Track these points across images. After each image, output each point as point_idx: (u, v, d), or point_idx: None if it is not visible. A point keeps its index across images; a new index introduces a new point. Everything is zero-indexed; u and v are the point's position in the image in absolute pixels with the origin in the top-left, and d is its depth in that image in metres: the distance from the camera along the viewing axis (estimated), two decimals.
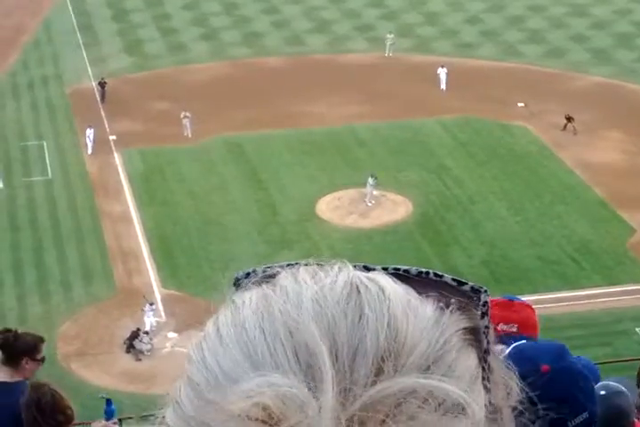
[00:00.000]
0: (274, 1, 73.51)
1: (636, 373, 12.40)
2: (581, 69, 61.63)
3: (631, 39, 65.55)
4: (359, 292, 1.13)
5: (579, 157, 51.76)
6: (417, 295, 1.16)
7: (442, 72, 59.04)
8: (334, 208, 47.90)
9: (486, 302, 1.19)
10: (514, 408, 1.22)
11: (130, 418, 17.67)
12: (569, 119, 53.66)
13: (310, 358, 1.07)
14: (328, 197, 48.68)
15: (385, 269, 1.20)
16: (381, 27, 68.44)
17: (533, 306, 5.49)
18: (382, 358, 1.08)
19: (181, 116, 53.69)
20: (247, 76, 61.55)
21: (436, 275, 1.19)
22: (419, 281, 1.19)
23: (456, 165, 51.63)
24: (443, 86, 59.15)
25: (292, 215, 47.18)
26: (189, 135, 53.76)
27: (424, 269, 1.20)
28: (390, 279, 1.17)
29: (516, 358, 3.84)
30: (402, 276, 1.19)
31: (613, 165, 50.92)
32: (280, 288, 1.15)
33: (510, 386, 1.22)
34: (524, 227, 46.19)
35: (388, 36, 63.64)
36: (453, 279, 1.19)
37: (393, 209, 47.70)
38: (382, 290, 1.13)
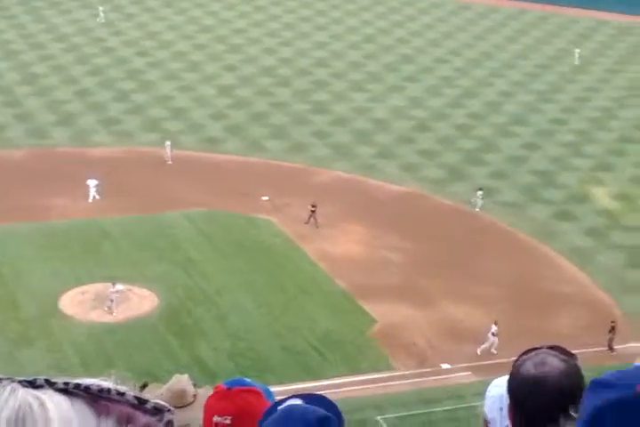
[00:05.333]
0: (16, 94, 72.59)
1: None
2: (323, 164, 63.56)
3: (369, 136, 68.27)
4: (25, 426, 1.08)
5: (321, 249, 53.05)
6: (94, 419, 1.13)
7: (91, 183, 56.54)
8: (78, 303, 47.04)
9: (170, 420, 1.17)
10: None
11: None
12: (314, 208, 54.70)
13: None
14: (72, 292, 47.79)
15: (66, 384, 1.16)
16: (127, 120, 68.61)
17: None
18: None
19: None
20: None
21: (118, 393, 1.16)
22: (101, 397, 1.16)
23: (202, 258, 51.86)
24: (90, 199, 56.57)
25: (33, 311, 45.96)
26: None
27: (106, 386, 1.17)
28: (65, 402, 1.14)
29: (280, 420, 3.70)
30: (82, 393, 1.16)
31: (354, 258, 52.43)
32: None
33: None
34: (269, 319, 46.70)
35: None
36: (136, 397, 1.17)
37: (139, 303, 47.26)
38: (49, 422, 1.09)
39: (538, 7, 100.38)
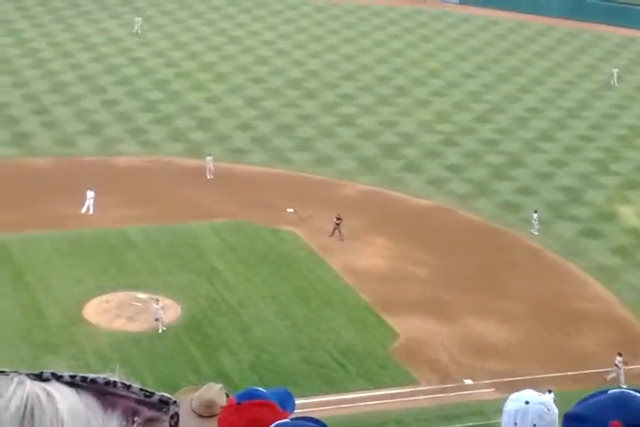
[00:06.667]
0: (44, 102, 72.89)
1: None
2: (349, 177, 63.49)
3: (396, 149, 68.17)
4: (33, 415, 1.09)
5: (345, 262, 52.94)
6: (100, 411, 1.14)
7: (89, 195, 55.94)
8: (102, 311, 47.10)
9: (176, 413, 1.19)
10: None
11: None
12: (339, 220, 54.61)
13: None
14: (96, 300, 47.85)
15: (73, 377, 1.18)
16: (154, 130, 68.76)
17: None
18: None
19: None
20: (14, 176, 60.39)
21: (124, 385, 1.18)
22: (107, 391, 1.17)
23: (226, 268, 51.85)
24: (84, 210, 56.01)
25: (58, 319, 46.04)
26: None
27: (112, 379, 1.19)
28: (72, 394, 1.14)
29: None
30: (89, 386, 1.17)
31: (378, 271, 52.29)
32: None
33: None
34: (292, 331, 46.61)
35: None
36: (142, 390, 1.18)
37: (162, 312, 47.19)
38: (57, 412, 1.10)
39: (566, 23, 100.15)
